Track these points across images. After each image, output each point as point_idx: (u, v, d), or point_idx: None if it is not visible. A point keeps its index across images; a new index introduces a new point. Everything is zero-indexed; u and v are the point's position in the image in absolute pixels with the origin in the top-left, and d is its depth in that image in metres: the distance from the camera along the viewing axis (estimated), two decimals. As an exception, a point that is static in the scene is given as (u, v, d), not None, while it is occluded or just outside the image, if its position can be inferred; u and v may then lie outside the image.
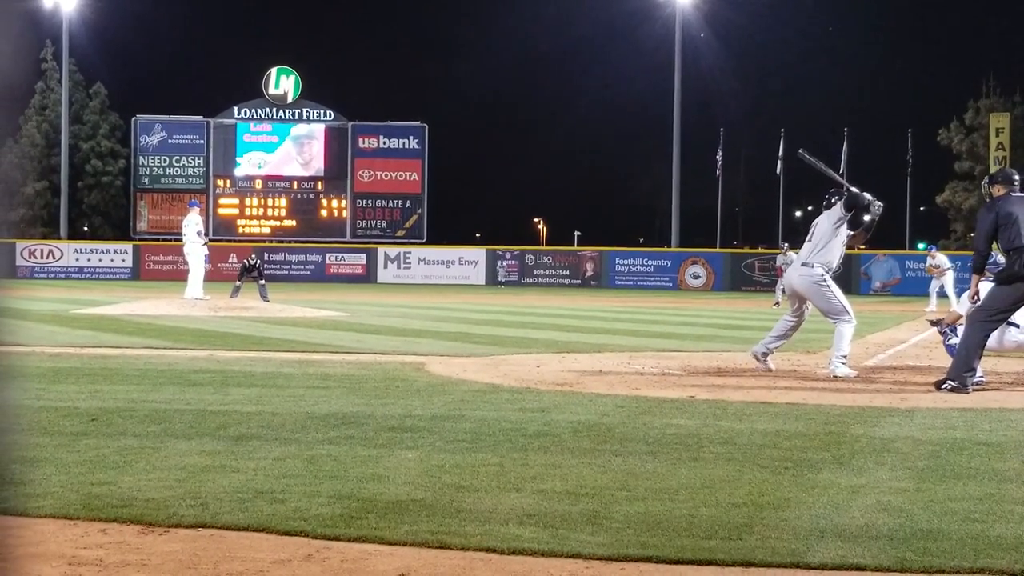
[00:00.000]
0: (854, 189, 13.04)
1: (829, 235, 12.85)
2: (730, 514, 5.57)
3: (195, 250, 27.10)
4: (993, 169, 59.75)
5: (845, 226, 12.89)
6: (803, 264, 12.95)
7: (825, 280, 12.76)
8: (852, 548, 4.97)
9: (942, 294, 33.11)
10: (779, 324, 13.24)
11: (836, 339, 12.63)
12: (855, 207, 12.81)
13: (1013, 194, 11.29)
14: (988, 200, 11.53)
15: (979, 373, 11.56)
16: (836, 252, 12.88)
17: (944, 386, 11.05)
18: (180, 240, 28.46)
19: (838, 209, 12.81)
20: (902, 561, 4.80)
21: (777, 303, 14.48)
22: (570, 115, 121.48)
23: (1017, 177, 11.53)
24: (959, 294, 12.22)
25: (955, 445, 7.76)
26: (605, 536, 5.13)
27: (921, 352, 16.15)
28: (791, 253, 28.22)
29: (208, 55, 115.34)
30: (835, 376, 12.24)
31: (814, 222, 13.29)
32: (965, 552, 4.93)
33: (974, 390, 11.06)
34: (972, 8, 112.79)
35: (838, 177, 13.35)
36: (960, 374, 11.04)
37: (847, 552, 4.91)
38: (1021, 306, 11.42)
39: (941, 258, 34.78)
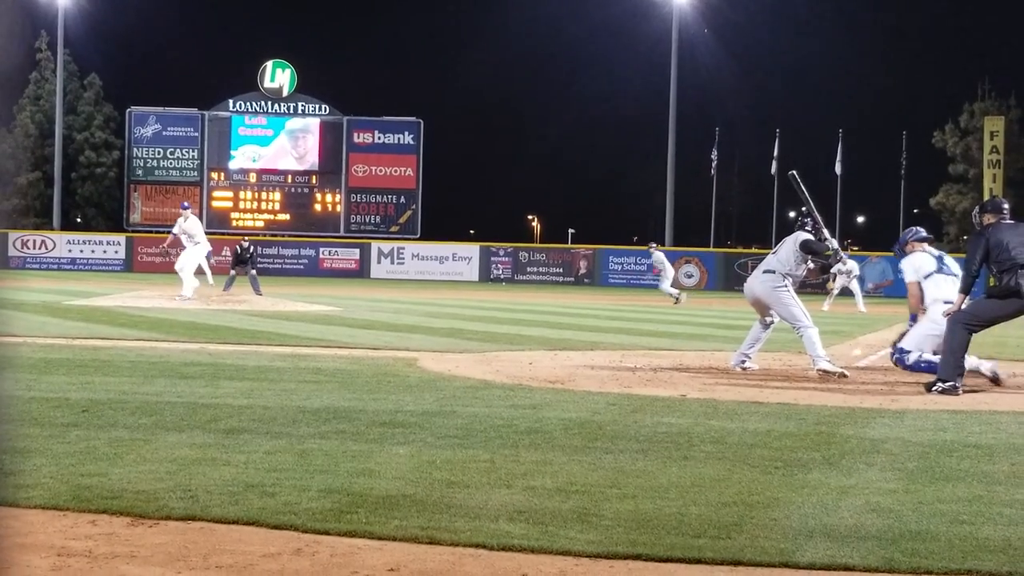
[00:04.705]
0: (826, 233, 13.21)
1: (791, 256, 13.11)
2: (720, 513, 5.58)
3: (197, 250, 26.97)
4: (986, 174, 59.96)
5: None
6: (764, 271, 13.14)
7: (785, 286, 12.99)
8: (841, 548, 4.98)
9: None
10: (751, 332, 13.39)
11: (807, 346, 12.77)
12: (812, 253, 13.11)
13: (1003, 222, 11.49)
14: (979, 228, 11.71)
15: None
16: (798, 272, 13.16)
17: (935, 388, 11.10)
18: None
19: (795, 247, 13.10)
20: (890, 562, 4.81)
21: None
22: (566, 113, 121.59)
23: (1007, 206, 11.86)
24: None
25: (944, 447, 7.77)
26: (595, 533, 5.13)
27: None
28: None
29: (203, 47, 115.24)
30: (822, 371, 12.33)
31: (784, 239, 13.54)
32: (953, 554, 4.95)
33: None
34: (968, 11, 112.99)
35: (816, 214, 13.44)
36: (951, 375, 11.10)
37: (836, 552, 4.92)
38: (1004, 321, 11.56)
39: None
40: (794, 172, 13.83)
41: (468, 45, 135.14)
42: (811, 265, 13.22)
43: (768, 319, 13.23)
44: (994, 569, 4.75)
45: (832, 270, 13.22)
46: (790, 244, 13.20)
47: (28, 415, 8.10)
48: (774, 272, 13.03)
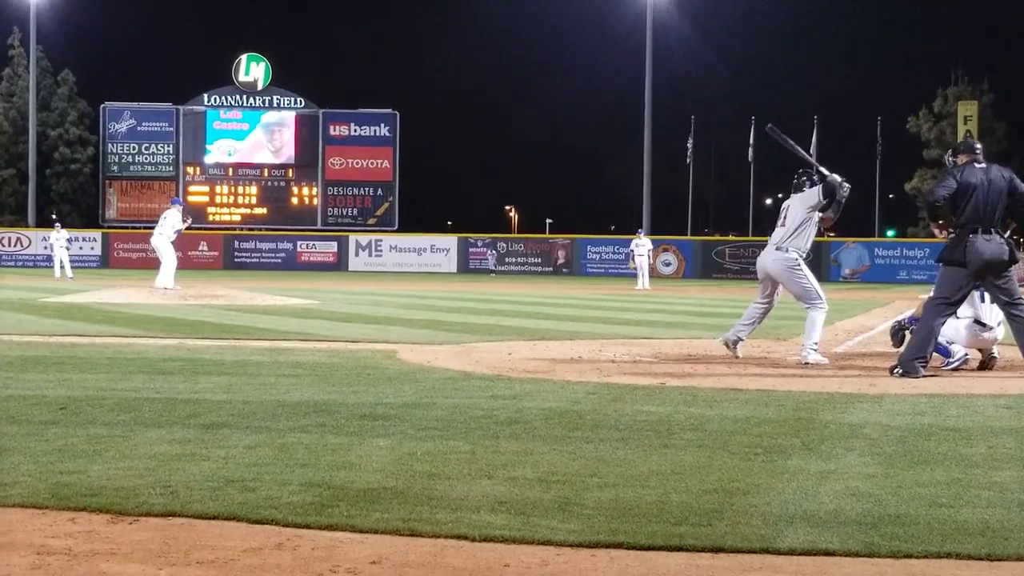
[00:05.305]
0: (823, 170, 12.94)
1: (802, 219, 12.73)
2: (700, 500, 5.59)
3: (164, 243, 26.93)
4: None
5: (818, 211, 12.85)
6: (777, 248, 12.84)
7: (799, 264, 12.71)
8: (821, 533, 5.00)
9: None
10: (749, 310, 13.21)
11: (808, 326, 12.63)
12: (833, 194, 12.76)
13: (976, 164, 11.36)
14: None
15: (962, 352, 11.86)
16: (809, 237, 12.83)
17: (895, 371, 11.12)
18: (150, 228, 28.28)
19: (815, 195, 12.70)
20: (870, 546, 4.83)
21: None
22: (542, 102, 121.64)
23: (979, 147, 11.71)
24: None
25: (923, 431, 7.81)
26: (576, 523, 5.14)
27: (890, 339, 16.20)
28: None
29: (177, 41, 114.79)
30: (807, 363, 12.28)
31: (784, 205, 13.10)
32: (932, 537, 4.97)
33: (962, 367, 11.52)
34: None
35: (807, 155, 13.23)
36: (910, 360, 11.07)
37: (816, 537, 4.94)
38: (969, 292, 11.46)
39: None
40: (771, 125, 13.66)
41: (444, 36, 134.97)
42: (822, 215, 12.87)
43: (767, 300, 13.00)
44: (973, 552, 4.78)
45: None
46: (796, 205, 12.80)
47: (5, 413, 8.06)
48: (785, 249, 12.70)
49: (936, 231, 11.93)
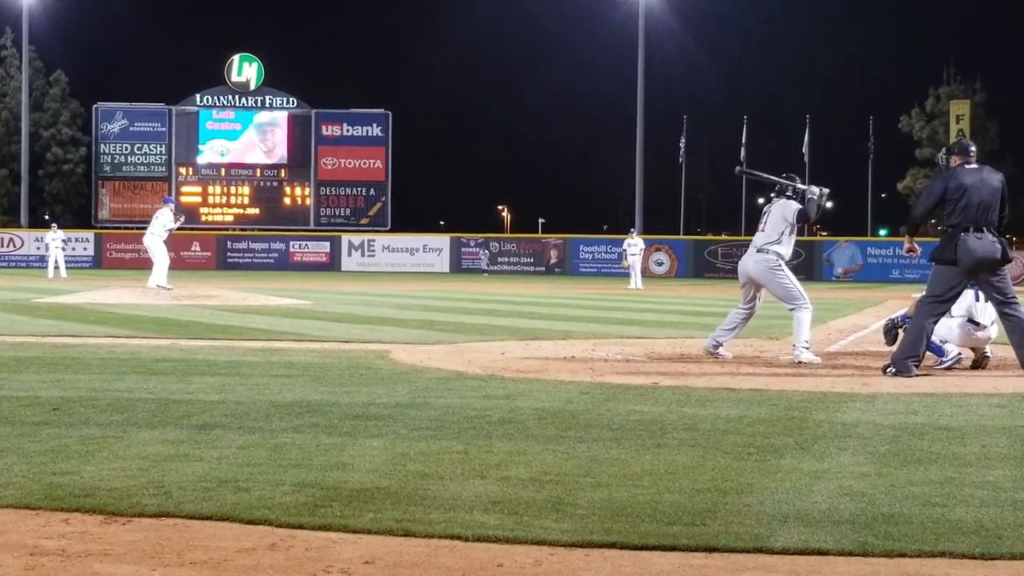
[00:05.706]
0: (799, 186, 13.07)
1: (781, 226, 12.86)
2: (694, 500, 5.59)
3: (156, 243, 26.93)
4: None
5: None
6: (758, 251, 12.94)
7: (780, 266, 12.78)
8: (814, 532, 5.01)
9: None
10: (730, 316, 13.25)
11: (796, 327, 12.67)
12: (806, 219, 13.03)
13: (967, 166, 11.35)
14: (943, 170, 11.62)
15: (955, 351, 11.87)
16: (789, 242, 12.94)
17: (888, 370, 11.14)
18: (142, 229, 28.24)
19: (791, 212, 12.83)
20: (864, 545, 4.84)
21: None
22: (534, 102, 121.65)
23: (973, 149, 11.66)
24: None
25: (916, 430, 7.82)
26: (569, 523, 5.14)
27: (883, 338, 16.21)
28: None
29: (170, 42, 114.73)
30: (799, 362, 12.29)
31: (765, 209, 13.24)
32: (926, 536, 4.98)
33: (955, 366, 11.60)
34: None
35: (783, 180, 13.32)
36: (903, 359, 11.09)
37: (809, 537, 4.94)
38: (961, 291, 11.48)
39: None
40: (739, 167, 13.77)
41: (436, 36, 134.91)
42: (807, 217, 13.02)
43: (749, 306, 13.06)
44: (967, 551, 4.78)
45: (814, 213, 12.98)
46: (776, 213, 12.90)
47: (-2, 414, 8.04)
48: (766, 251, 12.81)
49: (907, 244, 12.07)
